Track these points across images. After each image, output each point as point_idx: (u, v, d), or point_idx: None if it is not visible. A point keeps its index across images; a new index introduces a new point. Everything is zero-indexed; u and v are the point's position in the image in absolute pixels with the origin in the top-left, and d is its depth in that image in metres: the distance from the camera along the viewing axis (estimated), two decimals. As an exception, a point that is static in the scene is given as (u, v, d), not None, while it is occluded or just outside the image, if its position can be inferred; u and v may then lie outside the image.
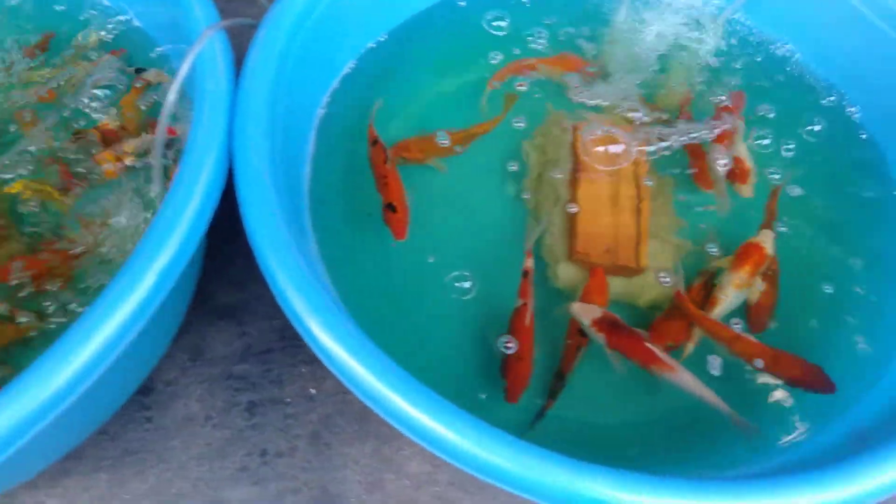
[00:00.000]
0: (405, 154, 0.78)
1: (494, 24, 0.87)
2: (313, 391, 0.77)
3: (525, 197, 0.80)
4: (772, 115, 0.84)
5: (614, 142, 0.77)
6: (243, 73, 0.63)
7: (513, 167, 0.81)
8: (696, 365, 0.65)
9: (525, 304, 0.67)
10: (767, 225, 0.74)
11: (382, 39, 0.83)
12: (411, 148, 0.79)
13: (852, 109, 0.82)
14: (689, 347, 0.67)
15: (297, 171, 0.72)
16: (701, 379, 0.62)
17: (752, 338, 0.66)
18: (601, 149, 0.78)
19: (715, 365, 0.67)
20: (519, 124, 0.83)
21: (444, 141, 0.77)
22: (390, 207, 0.70)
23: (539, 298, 0.71)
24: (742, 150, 0.79)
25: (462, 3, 0.88)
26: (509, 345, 0.67)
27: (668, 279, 0.71)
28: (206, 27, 0.64)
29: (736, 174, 0.77)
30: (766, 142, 0.81)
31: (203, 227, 0.55)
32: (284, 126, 0.66)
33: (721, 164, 0.76)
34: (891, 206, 0.77)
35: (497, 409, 0.66)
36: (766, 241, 0.70)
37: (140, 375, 0.74)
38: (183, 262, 0.53)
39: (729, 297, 0.68)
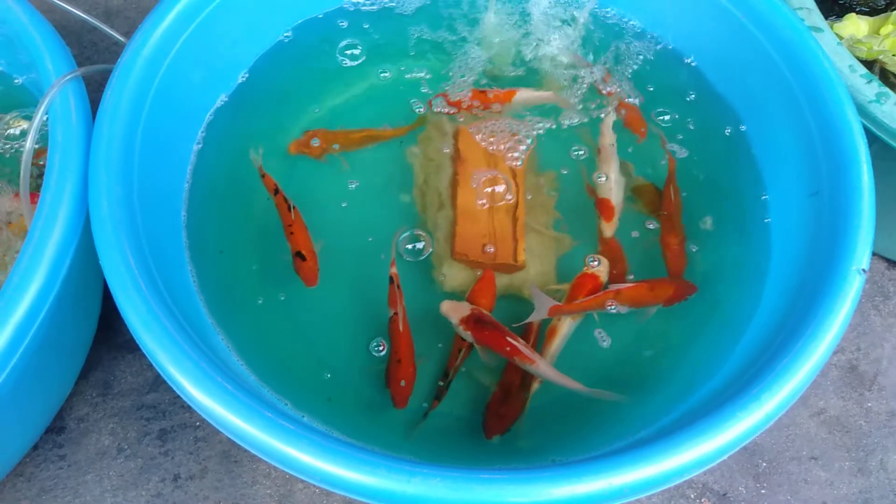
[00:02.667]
0: (305, 149, 0.81)
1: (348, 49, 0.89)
2: (218, 413, 0.80)
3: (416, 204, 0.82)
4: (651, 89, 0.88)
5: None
6: (97, 121, 0.64)
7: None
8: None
9: (395, 312, 0.70)
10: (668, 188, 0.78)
11: (246, 77, 0.84)
12: (318, 137, 0.81)
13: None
14: (554, 344, 0.69)
15: (173, 207, 0.74)
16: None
17: (627, 285, 0.70)
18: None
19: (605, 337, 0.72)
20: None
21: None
22: (300, 256, 0.72)
23: (430, 302, 0.74)
24: (612, 185, 0.79)
25: (311, 33, 0.89)
26: (381, 348, 0.70)
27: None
28: (56, 78, 0.65)
29: (601, 209, 0.78)
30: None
31: (56, 284, 0.58)
32: (150, 167, 0.68)
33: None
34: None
35: (391, 413, 0.68)
36: (601, 269, 0.72)
37: (47, 414, 0.77)
38: (35, 322, 0.56)
39: (565, 328, 0.69)
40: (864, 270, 0.58)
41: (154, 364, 0.55)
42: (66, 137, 0.63)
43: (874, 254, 0.93)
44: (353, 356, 0.72)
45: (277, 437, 0.50)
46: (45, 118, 0.64)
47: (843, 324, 0.56)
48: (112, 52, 1.06)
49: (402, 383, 0.68)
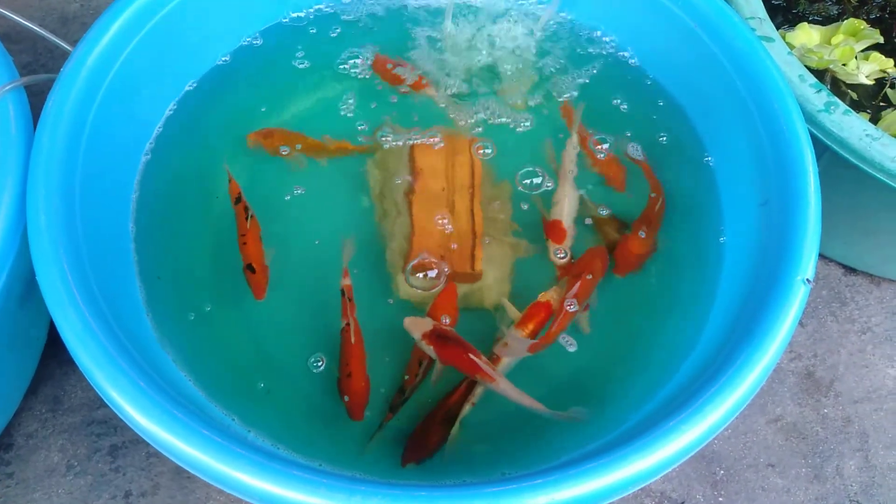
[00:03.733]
0: (265, 142, 0.80)
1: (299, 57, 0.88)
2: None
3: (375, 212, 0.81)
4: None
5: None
6: (37, 132, 0.63)
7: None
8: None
9: (347, 324, 0.69)
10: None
11: (194, 85, 0.83)
12: (275, 136, 0.80)
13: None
14: (504, 363, 0.68)
15: (120, 220, 0.72)
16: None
17: (574, 289, 0.70)
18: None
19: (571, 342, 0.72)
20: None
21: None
22: (249, 268, 0.71)
23: (387, 312, 0.73)
24: (565, 208, 0.77)
25: (258, 42, 0.88)
26: (319, 363, 0.69)
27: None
28: (-5, 88, 0.64)
29: (551, 232, 0.76)
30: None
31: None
32: (95, 179, 0.67)
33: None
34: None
35: (348, 427, 0.67)
36: (553, 296, 0.71)
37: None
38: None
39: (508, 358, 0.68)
40: (808, 280, 0.58)
41: (90, 381, 0.53)
42: (4, 149, 0.61)
43: (831, 260, 0.94)
44: (303, 368, 0.71)
45: (213, 455, 0.49)
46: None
47: (787, 335, 0.56)
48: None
49: (347, 398, 0.67)
